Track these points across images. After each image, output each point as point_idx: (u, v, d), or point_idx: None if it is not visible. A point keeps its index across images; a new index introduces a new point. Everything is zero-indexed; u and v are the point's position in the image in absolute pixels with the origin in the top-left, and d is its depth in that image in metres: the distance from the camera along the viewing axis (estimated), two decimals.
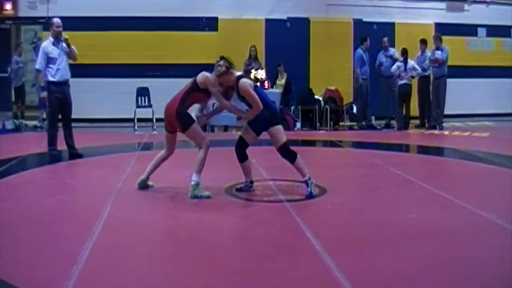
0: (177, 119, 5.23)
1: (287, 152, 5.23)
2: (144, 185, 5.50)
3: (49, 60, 7.25)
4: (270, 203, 5.12)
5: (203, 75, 5.25)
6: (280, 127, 5.27)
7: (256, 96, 5.14)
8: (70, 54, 7.38)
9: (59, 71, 7.28)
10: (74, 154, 7.51)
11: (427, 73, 11.44)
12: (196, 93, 5.28)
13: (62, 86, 7.36)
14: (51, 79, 7.28)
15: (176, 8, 12.25)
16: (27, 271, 3.31)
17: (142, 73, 12.00)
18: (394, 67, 11.21)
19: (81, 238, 3.88)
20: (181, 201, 5.17)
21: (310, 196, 5.15)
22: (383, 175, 6.51)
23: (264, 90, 11.02)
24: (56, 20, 7.39)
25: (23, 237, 4.03)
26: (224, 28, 12.53)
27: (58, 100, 7.34)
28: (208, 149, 5.26)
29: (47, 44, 7.35)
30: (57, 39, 7.29)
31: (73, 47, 7.37)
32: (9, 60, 11.73)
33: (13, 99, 11.95)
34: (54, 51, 7.26)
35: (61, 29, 7.32)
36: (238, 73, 5.25)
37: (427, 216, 4.62)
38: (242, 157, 5.41)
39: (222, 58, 5.18)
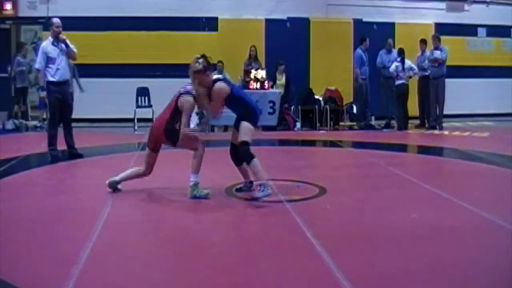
0: (166, 137, 5.24)
1: (244, 151, 4.99)
2: (113, 187, 5.42)
3: (49, 60, 7.24)
4: (270, 203, 5.11)
5: (185, 100, 5.14)
6: (251, 126, 5.05)
7: (221, 106, 5.07)
8: (69, 53, 7.38)
9: (58, 71, 7.26)
10: (74, 154, 7.51)
11: (427, 73, 11.44)
12: (180, 115, 5.20)
13: (61, 86, 7.36)
14: (50, 79, 7.26)
15: (176, 8, 12.26)
16: (27, 271, 3.31)
17: (142, 73, 12.01)
18: (393, 67, 11.22)
19: (81, 238, 3.88)
20: (181, 201, 5.16)
21: (255, 199, 4.90)
22: (383, 175, 6.51)
23: (264, 90, 11.11)
24: (56, 20, 7.38)
25: (23, 237, 4.03)
26: (224, 28, 12.54)
27: (57, 100, 7.33)
28: (203, 148, 5.24)
29: (46, 44, 7.35)
30: (57, 39, 7.28)
31: (71, 46, 7.37)
32: (9, 60, 11.74)
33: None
34: (53, 51, 7.25)
35: (60, 29, 7.31)
36: (217, 76, 5.17)
37: (427, 216, 4.61)
38: (238, 161, 5.39)
39: (202, 56, 5.09)
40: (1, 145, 8.55)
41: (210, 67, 5.14)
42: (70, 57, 7.50)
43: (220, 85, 5.06)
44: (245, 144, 4.99)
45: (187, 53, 12.11)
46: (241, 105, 5.14)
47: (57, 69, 7.26)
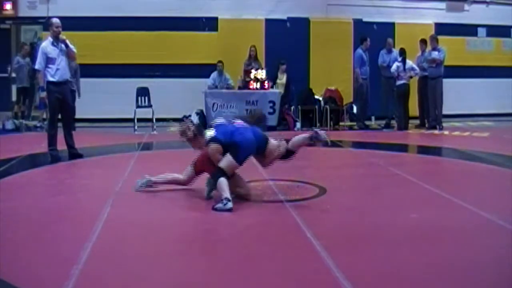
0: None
1: (216, 176, 4.90)
2: (145, 186, 5.40)
3: (49, 60, 7.23)
4: (270, 203, 5.11)
5: (210, 149, 5.08)
6: (233, 161, 4.93)
7: (221, 158, 4.97)
8: (68, 54, 7.37)
9: (58, 71, 7.26)
10: (74, 154, 7.51)
11: (427, 73, 11.44)
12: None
13: (61, 86, 7.35)
14: (50, 79, 7.25)
15: (176, 8, 12.27)
16: (27, 271, 3.31)
17: (142, 73, 12.01)
18: (394, 67, 11.22)
19: (81, 238, 3.88)
20: (181, 201, 5.17)
21: (214, 208, 4.73)
22: (383, 175, 6.51)
23: (264, 90, 11.11)
24: (55, 21, 7.36)
25: (23, 237, 4.03)
26: (224, 28, 12.54)
27: (57, 100, 7.32)
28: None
29: (46, 44, 7.34)
30: (57, 39, 7.27)
31: (71, 46, 7.34)
32: (9, 60, 11.75)
33: (13, 99, 11.96)
34: (53, 51, 7.23)
35: (60, 29, 7.29)
36: (209, 134, 5.10)
37: (427, 216, 4.61)
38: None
39: (196, 124, 5.22)
40: (1, 145, 8.55)
41: (201, 130, 5.21)
42: (69, 57, 7.50)
43: (211, 148, 5.01)
44: (222, 171, 4.90)
45: (187, 53, 12.35)
46: (232, 146, 5.02)
47: (57, 69, 7.25)
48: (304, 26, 12.79)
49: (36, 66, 7.46)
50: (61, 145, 7.51)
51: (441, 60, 11.20)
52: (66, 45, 7.30)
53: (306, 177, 6.10)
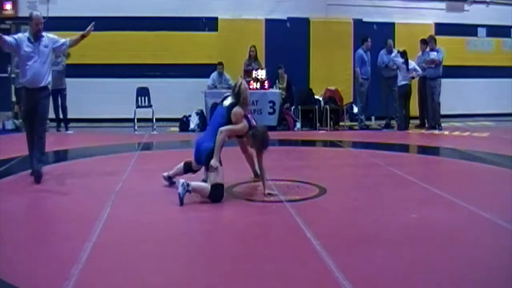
0: None
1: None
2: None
3: (20, 59, 6.02)
4: (270, 203, 5.11)
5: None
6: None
7: None
8: (59, 51, 6.42)
9: (28, 72, 5.90)
10: (34, 172, 5.92)
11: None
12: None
13: (33, 94, 5.95)
14: (21, 81, 6.13)
15: (176, 8, 12.26)
16: (27, 271, 3.31)
17: (142, 73, 12.00)
18: (391, 62, 11.27)
19: (81, 238, 3.88)
20: None
21: None
22: (383, 175, 6.51)
23: (264, 90, 11.10)
24: (36, 15, 6.03)
25: (23, 237, 4.03)
26: (224, 28, 12.53)
27: (28, 109, 6.02)
28: None
29: (23, 38, 5.95)
30: (35, 37, 5.94)
31: (62, 41, 6.30)
32: (9, 60, 11.74)
33: (13, 99, 11.95)
34: (27, 49, 5.88)
35: (41, 26, 5.98)
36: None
37: (427, 216, 4.62)
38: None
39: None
40: (1, 145, 8.55)
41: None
42: (60, 53, 6.89)
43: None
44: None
45: (187, 53, 12.33)
46: None
47: (27, 70, 5.90)
48: (304, 26, 12.78)
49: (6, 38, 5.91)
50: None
51: (439, 60, 11.20)
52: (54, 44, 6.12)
53: (306, 177, 6.10)
